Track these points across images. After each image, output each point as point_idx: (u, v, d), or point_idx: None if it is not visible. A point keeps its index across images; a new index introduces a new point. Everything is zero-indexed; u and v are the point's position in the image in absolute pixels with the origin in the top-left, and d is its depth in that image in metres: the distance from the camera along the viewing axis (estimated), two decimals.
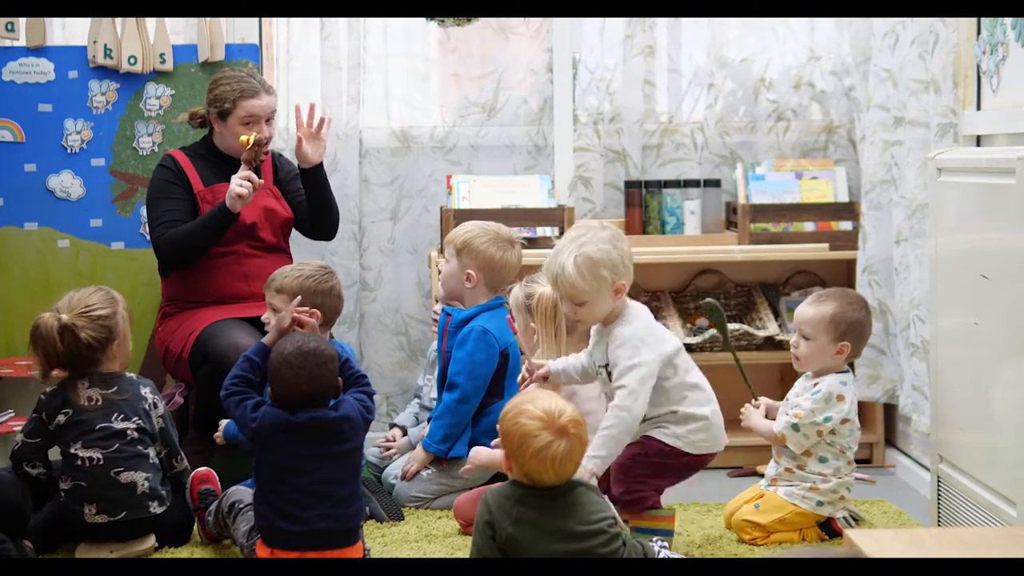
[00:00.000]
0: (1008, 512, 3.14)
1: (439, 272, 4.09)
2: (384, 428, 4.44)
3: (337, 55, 4.66)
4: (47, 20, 4.48)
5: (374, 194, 4.76)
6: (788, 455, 3.58)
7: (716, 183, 4.67)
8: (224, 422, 3.58)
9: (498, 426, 2.86)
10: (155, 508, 3.42)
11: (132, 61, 4.41)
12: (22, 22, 4.39)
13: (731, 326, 4.35)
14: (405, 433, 4.20)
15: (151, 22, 4.45)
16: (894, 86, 4.16)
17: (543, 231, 4.48)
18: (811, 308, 3.59)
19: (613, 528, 2.85)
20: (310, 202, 4.24)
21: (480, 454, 3.56)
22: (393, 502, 3.84)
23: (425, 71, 4.93)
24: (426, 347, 4.52)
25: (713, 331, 4.37)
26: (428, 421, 4.01)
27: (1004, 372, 3.15)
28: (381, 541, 3.57)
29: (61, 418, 3.40)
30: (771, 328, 4.41)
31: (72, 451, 3.37)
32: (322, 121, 4.18)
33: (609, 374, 3.30)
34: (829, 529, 3.57)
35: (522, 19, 4.78)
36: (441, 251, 4.21)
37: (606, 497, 3.02)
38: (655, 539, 3.27)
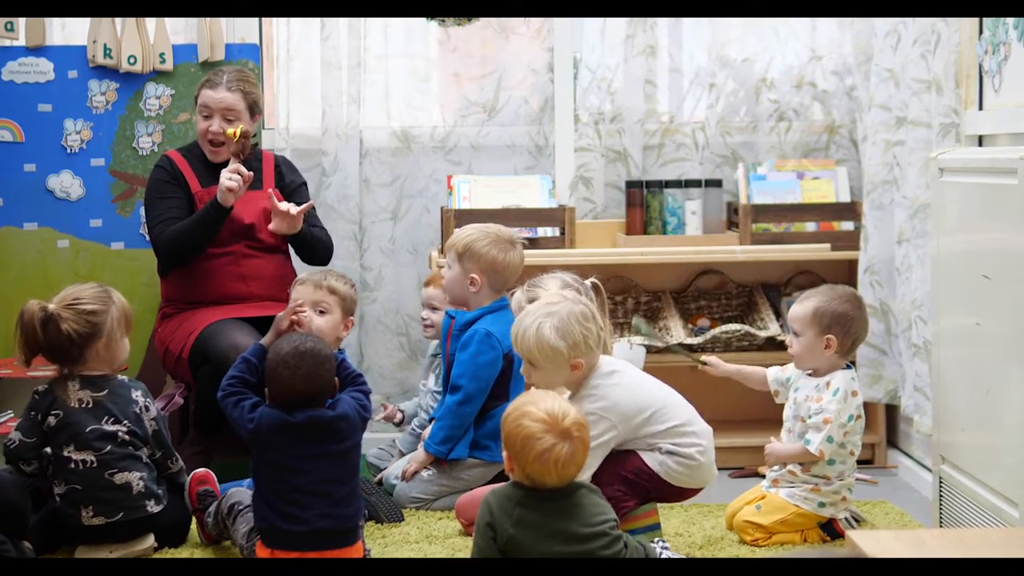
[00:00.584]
0: (1010, 513, 3.14)
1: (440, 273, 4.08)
2: (384, 428, 4.44)
3: (337, 55, 4.65)
4: (47, 20, 4.48)
5: (374, 194, 4.75)
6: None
7: (717, 183, 4.66)
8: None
9: (500, 428, 2.85)
10: (152, 507, 3.40)
11: (132, 61, 4.41)
12: (22, 22, 4.39)
13: (732, 326, 4.37)
14: (403, 416, 4.24)
15: (151, 22, 4.44)
16: (896, 86, 4.16)
17: (544, 231, 4.48)
18: (798, 305, 3.62)
19: (615, 530, 2.84)
20: (295, 248, 4.25)
21: None
22: (393, 503, 3.83)
23: (425, 71, 4.93)
24: (426, 347, 4.51)
25: (713, 331, 4.38)
26: (429, 422, 4.01)
27: (1006, 373, 3.15)
28: (382, 542, 3.56)
29: (52, 419, 3.38)
30: (772, 329, 4.40)
31: (65, 454, 3.36)
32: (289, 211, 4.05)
33: None
34: (831, 530, 3.56)
35: (523, 19, 4.77)
36: (442, 251, 4.20)
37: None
38: (656, 540, 3.28)
